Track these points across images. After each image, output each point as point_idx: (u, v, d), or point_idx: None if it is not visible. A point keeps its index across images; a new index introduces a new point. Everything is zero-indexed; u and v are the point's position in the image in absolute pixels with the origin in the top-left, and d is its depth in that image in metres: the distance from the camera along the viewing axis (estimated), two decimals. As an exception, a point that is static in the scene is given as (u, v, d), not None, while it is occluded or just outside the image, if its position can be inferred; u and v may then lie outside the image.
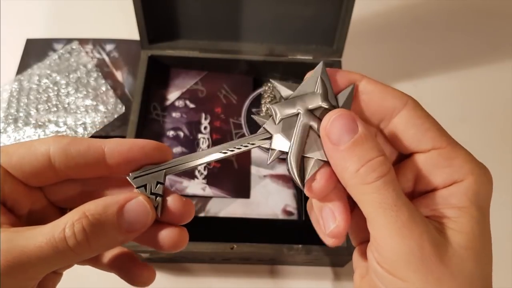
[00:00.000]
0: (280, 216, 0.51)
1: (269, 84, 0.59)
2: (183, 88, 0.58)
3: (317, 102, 0.23)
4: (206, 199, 0.51)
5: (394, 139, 0.23)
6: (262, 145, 0.23)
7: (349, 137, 0.21)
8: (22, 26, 0.67)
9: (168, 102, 0.57)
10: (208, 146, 0.54)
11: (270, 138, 0.23)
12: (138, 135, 0.52)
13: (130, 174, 0.23)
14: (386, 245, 0.20)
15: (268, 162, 0.23)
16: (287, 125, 0.23)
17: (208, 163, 0.24)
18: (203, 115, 0.56)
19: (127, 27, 0.60)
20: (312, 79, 0.23)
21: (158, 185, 0.23)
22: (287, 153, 0.23)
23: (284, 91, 0.23)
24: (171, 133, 0.55)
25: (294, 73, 0.59)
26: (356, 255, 0.26)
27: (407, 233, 0.20)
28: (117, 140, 0.23)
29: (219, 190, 0.51)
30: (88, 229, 0.20)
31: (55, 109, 0.58)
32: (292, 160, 0.22)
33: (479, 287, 0.21)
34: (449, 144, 0.22)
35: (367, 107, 0.23)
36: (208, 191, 0.51)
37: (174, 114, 0.56)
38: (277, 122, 0.23)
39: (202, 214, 0.51)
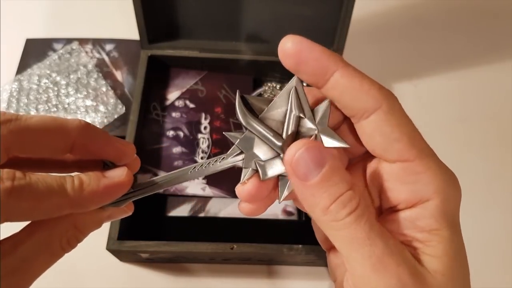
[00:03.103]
0: (280, 216, 0.50)
1: (269, 84, 0.59)
2: (183, 88, 0.58)
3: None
4: (206, 199, 0.51)
5: (361, 139, 0.22)
6: (236, 164, 0.23)
7: (317, 171, 0.19)
8: (22, 26, 0.67)
9: (168, 102, 0.57)
10: (208, 146, 0.54)
11: (242, 157, 0.23)
12: (138, 135, 0.52)
13: None
14: (364, 282, 0.20)
15: (242, 181, 0.22)
16: (260, 142, 0.22)
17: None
18: (203, 115, 0.56)
19: (127, 27, 0.60)
20: (285, 95, 0.22)
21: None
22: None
23: (258, 109, 0.23)
24: (171, 133, 0.55)
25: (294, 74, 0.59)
26: (332, 263, 0.25)
27: (383, 268, 0.19)
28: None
29: (219, 190, 0.51)
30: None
31: (55, 109, 0.58)
32: (267, 180, 0.22)
33: None
34: (417, 157, 0.20)
35: (338, 101, 0.21)
36: (208, 191, 0.51)
37: (174, 114, 0.56)
38: (249, 140, 0.22)
39: (202, 214, 0.50)
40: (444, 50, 0.68)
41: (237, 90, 0.23)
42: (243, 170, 0.22)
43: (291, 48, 0.20)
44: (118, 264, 0.49)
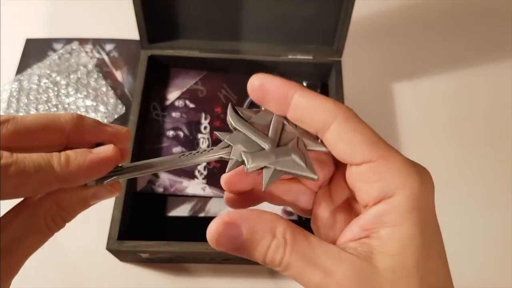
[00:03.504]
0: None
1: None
2: (183, 88, 0.58)
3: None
4: (206, 199, 0.51)
5: (329, 149, 0.23)
6: (224, 157, 0.24)
7: (237, 241, 0.21)
8: (22, 26, 0.67)
9: (168, 102, 0.57)
10: (208, 146, 0.54)
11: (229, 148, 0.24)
12: (138, 135, 0.52)
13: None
14: None
15: (227, 171, 0.24)
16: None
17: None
18: (203, 115, 0.56)
19: (127, 27, 0.60)
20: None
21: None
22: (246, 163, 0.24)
23: (246, 116, 0.25)
24: (171, 133, 0.55)
25: (294, 73, 0.59)
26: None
27: None
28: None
29: (219, 190, 0.51)
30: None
31: (55, 109, 0.58)
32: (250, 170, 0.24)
33: None
34: (380, 157, 0.21)
35: (302, 121, 0.23)
36: (208, 191, 0.51)
37: (174, 114, 0.56)
38: (238, 137, 0.24)
39: (202, 214, 0.50)
40: (444, 50, 0.68)
41: (229, 103, 0.25)
42: (229, 161, 0.24)
43: (256, 83, 0.23)
44: (118, 264, 0.49)
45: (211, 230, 0.22)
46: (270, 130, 0.24)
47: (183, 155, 0.24)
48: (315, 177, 0.23)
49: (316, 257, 0.21)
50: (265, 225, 0.22)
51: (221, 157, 0.24)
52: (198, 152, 0.24)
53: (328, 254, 0.21)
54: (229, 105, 0.25)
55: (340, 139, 0.22)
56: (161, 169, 0.24)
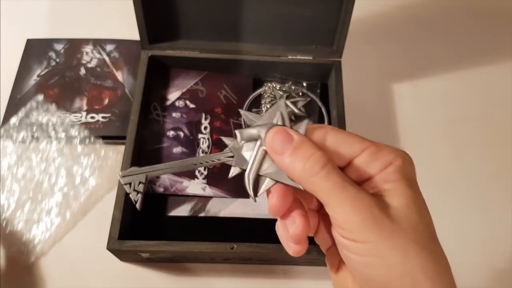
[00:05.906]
0: (280, 216, 0.51)
1: (269, 85, 0.59)
2: (183, 88, 0.58)
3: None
4: (206, 199, 0.51)
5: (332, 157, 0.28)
6: (226, 162, 0.28)
7: (288, 145, 0.26)
8: (23, 26, 0.67)
9: (168, 102, 0.57)
10: (208, 146, 0.54)
11: (232, 157, 0.28)
12: (138, 135, 0.52)
13: (121, 172, 0.28)
14: (344, 219, 0.25)
15: (229, 176, 0.28)
16: (247, 148, 0.28)
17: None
18: (203, 115, 0.56)
19: (127, 27, 0.60)
20: (273, 112, 0.28)
21: (140, 184, 0.28)
22: (245, 170, 0.27)
23: (249, 120, 0.28)
24: (171, 133, 0.55)
25: (294, 73, 0.59)
26: (328, 258, 0.31)
27: (357, 204, 0.24)
28: None
29: (219, 190, 0.51)
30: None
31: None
32: (249, 177, 0.27)
33: (425, 233, 0.25)
34: (371, 144, 0.27)
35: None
36: (208, 191, 0.51)
37: (174, 114, 0.56)
38: (239, 145, 0.28)
39: (202, 214, 0.51)
40: (444, 50, 0.68)
41: (238, 109, 0.29)
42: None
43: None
44: (118, 264, 0.49)
45: (270, 132, 0.27)
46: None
47: (194, 159, 0.28)
48: (300, 186, 0.27)
49: (350, 180, 0.25)
50: (315, 144, 0.26)
51: (223, 163, 0.28)
52: (201, 156, 0.28)
53: (356, 186, 0.25)
54: (242, 112, 0.29)
55: (340, 144, 0.27)
56: (169, 171, 0.28)
